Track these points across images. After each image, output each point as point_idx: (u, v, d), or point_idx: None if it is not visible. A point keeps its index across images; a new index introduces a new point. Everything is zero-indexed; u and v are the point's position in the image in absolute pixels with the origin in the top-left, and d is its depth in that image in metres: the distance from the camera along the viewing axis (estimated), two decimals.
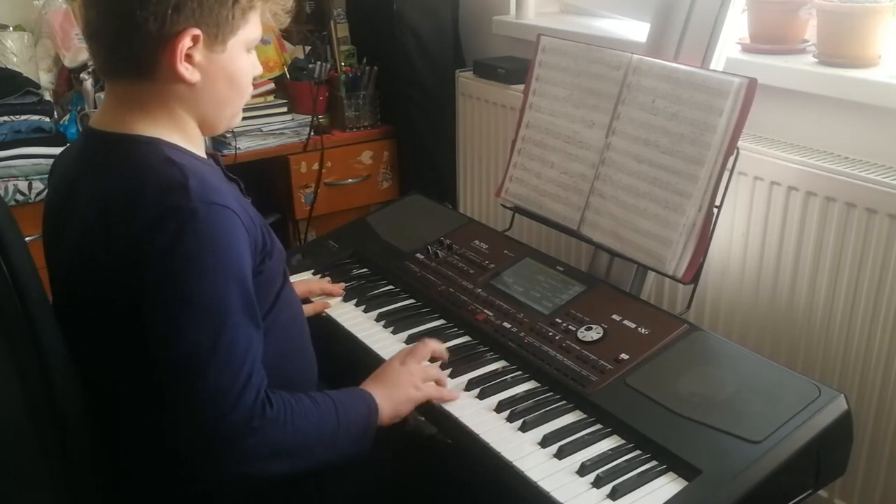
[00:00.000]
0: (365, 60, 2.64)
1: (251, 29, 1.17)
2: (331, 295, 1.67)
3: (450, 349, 1.47)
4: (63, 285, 1.21)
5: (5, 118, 2.12)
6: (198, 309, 1.06)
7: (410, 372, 1.33)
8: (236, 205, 1.11)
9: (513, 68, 2.34)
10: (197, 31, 1.10)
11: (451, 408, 1.33)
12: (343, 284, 1.70)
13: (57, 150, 2.11)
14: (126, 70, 1.13)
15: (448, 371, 1.41)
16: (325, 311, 1.62)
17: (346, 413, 1.20)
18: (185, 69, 1.11)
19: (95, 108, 2.36)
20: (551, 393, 1.35)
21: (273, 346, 1.18)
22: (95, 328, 1.14)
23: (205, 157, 1.22)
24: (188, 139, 1.18)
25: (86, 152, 1.19)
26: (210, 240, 1.06)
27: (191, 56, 1.11)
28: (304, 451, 1.15)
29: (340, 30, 2.66)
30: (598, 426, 1.27)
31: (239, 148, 2.43)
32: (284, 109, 2.56)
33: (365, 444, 1.22)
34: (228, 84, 1.18)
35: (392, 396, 1.29)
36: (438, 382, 1.37)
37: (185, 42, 1.09)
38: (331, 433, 1.18)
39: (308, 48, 2.67)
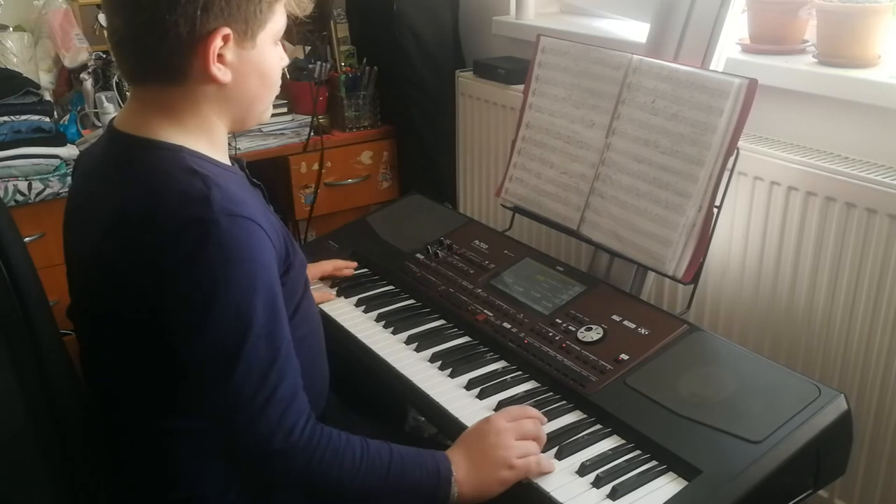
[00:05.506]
0: (365, 60, 2.64)
1: (277, 19, 1.14)
2: (342, 275, 1.73)
3: (450, 349, 1.48)
4: (79, 285, 1.20)
5: (5, 118, 2.11)
6: (219, 320, 1.04)
7: (507, 446, 1.19)
8: (260, 216, 1.09)
9: (513, 68, 2.34)
10: (227, 30, 1.07)
11: (451, 408, 1.33)
12: (354, 263, 1.76)
13: (57, 151, 2.16)
14: (155, 75, 1.10)
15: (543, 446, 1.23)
16: (324, 307, 1.61)
17: (400, 475, 1.13)
18: (217, 70, 1.09)
19: (95, 108, 2.36)
20: (551, 393, 1.35)
21: None
22: (106, 330, 1.14)
23: (229, 163, 1.20)
24: (213, 145, 1.16)
25: (109, 154, 1.16)
26: (233, 251, 1.04)
27: (222, 56, 1.09)
28: (329, 495, 1.11)
29: (340, 30, 2.66)
30: (598, 426, 1.27)
31: (239, 148, 2.43)
32: (284, 110, 2.56)
33: None
34: (260, 80, 1.15)
35: (475, 476, 1.17)
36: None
37: (217, 42, 1.07)
38: (373, 490, 1.12)
39: (308, 48, 2.67)
